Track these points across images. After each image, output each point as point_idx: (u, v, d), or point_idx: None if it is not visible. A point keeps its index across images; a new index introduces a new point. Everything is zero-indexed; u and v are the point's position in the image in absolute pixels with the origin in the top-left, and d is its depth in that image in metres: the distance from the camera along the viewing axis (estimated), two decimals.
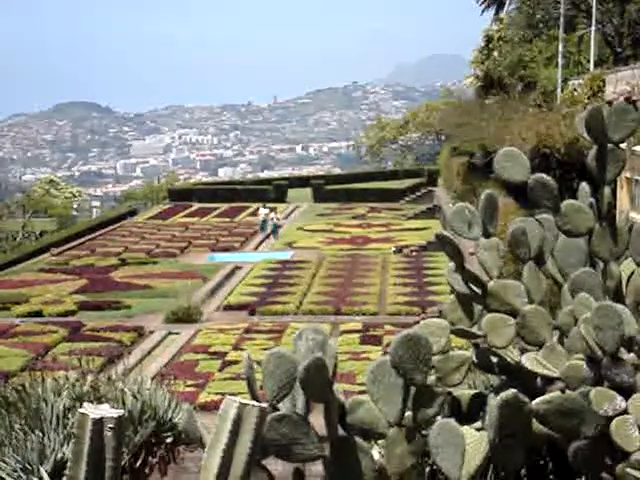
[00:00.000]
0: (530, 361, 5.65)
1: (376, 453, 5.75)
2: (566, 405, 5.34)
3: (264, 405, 5.04)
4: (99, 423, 4.90)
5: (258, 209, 53.78)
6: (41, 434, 6.97)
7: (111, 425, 4.92)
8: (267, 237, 48.28)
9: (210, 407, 18.33)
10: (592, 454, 5.46)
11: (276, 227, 48.88)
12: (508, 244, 5.94)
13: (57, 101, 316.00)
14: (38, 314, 29.93)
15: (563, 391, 5.46)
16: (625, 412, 5.35)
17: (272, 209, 52.86)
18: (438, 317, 5.96)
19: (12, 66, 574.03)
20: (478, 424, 5.63)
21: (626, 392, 5.43)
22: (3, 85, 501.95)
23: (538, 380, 5.74)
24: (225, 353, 24.46)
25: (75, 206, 73.56)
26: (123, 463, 6.88)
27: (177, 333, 27.44)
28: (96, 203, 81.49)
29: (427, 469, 5.75)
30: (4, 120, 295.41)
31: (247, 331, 27.00)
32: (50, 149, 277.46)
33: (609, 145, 6.03)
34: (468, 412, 5.83)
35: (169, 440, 7.70)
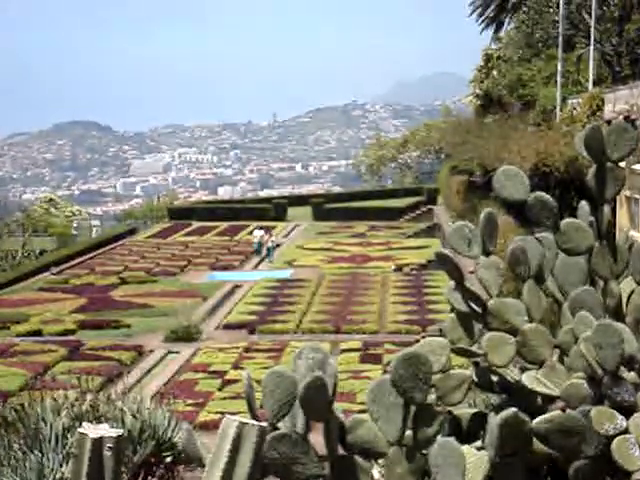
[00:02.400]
0: (530, 380, 5.64)
1: (376, 472, 5.73)
2: (567, 424, 5.32)
3: (264, 424, 5.02)
4: (98, 443, 4.88)
5: (253, 231, 53.26)
6: (40, 454, 6.95)
7: (110, 445, 4.90)
8: (263, 259, 47.65)
9: (210, 426, 18.28)
10: (593, 473, 5.44)
11: (272, 249, 47.61)
12: (508, 262, 5.94)
13: (57, 120, 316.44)
14: (37, 333, 29.87)
15: (564, 410, 5.44)
16: (626, 431, 5.34)
17: (268, 230, 52.50)
18: (438, 336, 5.95)
19: (12, 85, 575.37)
20: (478, 443, 5.61)
21: (627, 411, 5.41)
22: (3, 104, 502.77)
23: (539, 399, 5.73)
24: (225, 372, 24.40)
25: (75, 225, 73.43)
26: None
27: (177, 352, 27.38)
28: (96, 222, 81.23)
29: None
30: (4, 139, 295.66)
31: (247, 350, 26.94)
32: (50, 168, 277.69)
33: (608, 164, 6.04)
34: (468, 431, 5.82)
35: (168, 459, 7.68)
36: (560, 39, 45.34)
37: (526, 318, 5.86)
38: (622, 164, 6.16)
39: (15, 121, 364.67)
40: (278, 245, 50.60)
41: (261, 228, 52.14)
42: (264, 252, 47.84)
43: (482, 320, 5.90)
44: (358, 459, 5.45)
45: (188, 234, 59.69)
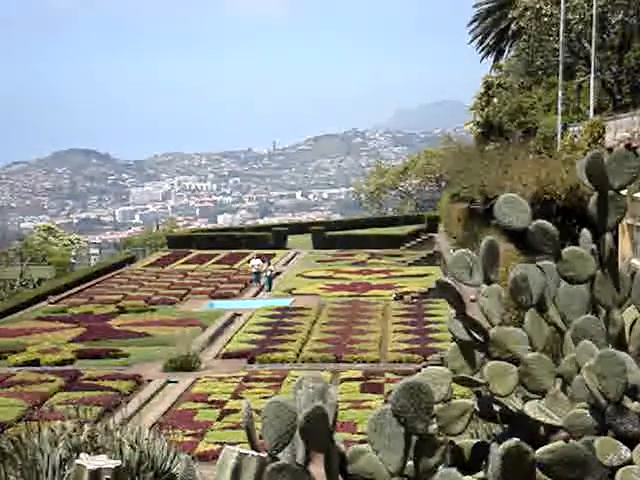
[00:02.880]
0: (533, 409, 5.56)
1: None
2: (570, 455, 5.24)
3: (263, 455, 4.96)
4: (96, 474, 4.81)
5: (250, 260, 52.68)
6: None
7: (108, 476, 4.83)
8: (261, 289, 47.25)
9: (209, 457, 18.17)
10: None
11: (270, 279, 47.06)
12: (509, 291, 5.88)
13: (56, 149, 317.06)
14: (35, 363, 29.72)
15: (567, 440, 5.37)
16: (630, 462, 5.26)
17: (267, 257, 52.16)
18: (439, 365, 5.89)
19: (10, 114, 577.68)
20: (481, 474, 5.53)
21: (631, 441, 5.34)
22: (1, 133, 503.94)
23: (541, 429, 5.66)
24: (224, 402, 24.29)
25: (73, 253, 73.35)
26: None
27: (176, 382, 27.26)
28: (94, 250, 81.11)
29: None
30: (3, 168, 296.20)
31: (246, 379, 26.83)
32: (49, 196, 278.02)
33: (610, 192, 5.99)
34: (470, 462, 5.73)
35: None
36: (560, 67, 45.46)
37: (528, 347, 5.80)
38: (624, 192, 6.12)
39: (14, 150, 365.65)
40: (278, 273, 50.41)
41: (258, 257, 51.90)
42: (262, 281, 47.45)
43: (484, 349, 5.83)
44: None
45: (187, 262, 59.62)
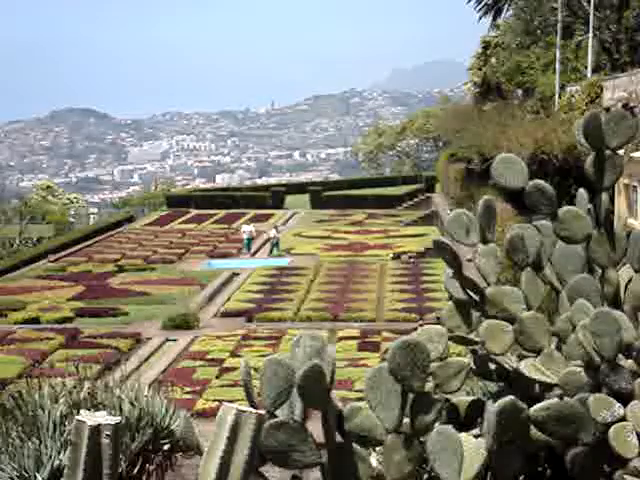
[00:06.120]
0: (528, 368, 5.64)
1: (374, 460, 5.73)
2: (564, 412, 5.32)
3: (262, 412, 5.02)
4: (96, 430, 4.88)
5: (247, 225, 51.49)
6: (38, 441, 6.95)
7: (108, 432, 4.90)
8: (253, 255, 46.38)
9: (208, 414, 18.30)
10: (590, 461, 5.45)
11: (275, 244, 45.78)
12: (506, 250, 5.93)
13: (54, 107, 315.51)
14: (35, 321, 29.84)
15: (561, 398, 5.44)
16: (623, 419, 5.34)
17: (274, 224, 51.46)
18: (436, 324, 5.95)
19: (8, 72, 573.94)
20: (476, 431, 5.61)
21: (624, 399, 5.41)
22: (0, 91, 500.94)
23: (536, 387, 5.73)
24: (223, 360, 24.41)
25: (72, 212, 73.43)
26: (120, 470, 6.86)
27: (175, 340, 27.37)
28: (93, 209, 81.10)
29: (425, 476, 5.73)
30: (1, 126, 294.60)
31: (245, 338, 26.94)
32: (47, 155, 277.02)
33: (607, 151, 6.03)
34: (466, 419, 5.82)
35: (166, 447, 7.69)
36: (559, 26, 45.17)
37: (524, 306, 5.86)
38: (620, 152, 6.15)
39: (12, 108, 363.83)
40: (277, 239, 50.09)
41: (250, 223, 51.44)
42: (253, 248, 46.80)
43: (480, 308, 5.89)
44: (356, 447, 5.45)
45: (186, 222, 59.62)
